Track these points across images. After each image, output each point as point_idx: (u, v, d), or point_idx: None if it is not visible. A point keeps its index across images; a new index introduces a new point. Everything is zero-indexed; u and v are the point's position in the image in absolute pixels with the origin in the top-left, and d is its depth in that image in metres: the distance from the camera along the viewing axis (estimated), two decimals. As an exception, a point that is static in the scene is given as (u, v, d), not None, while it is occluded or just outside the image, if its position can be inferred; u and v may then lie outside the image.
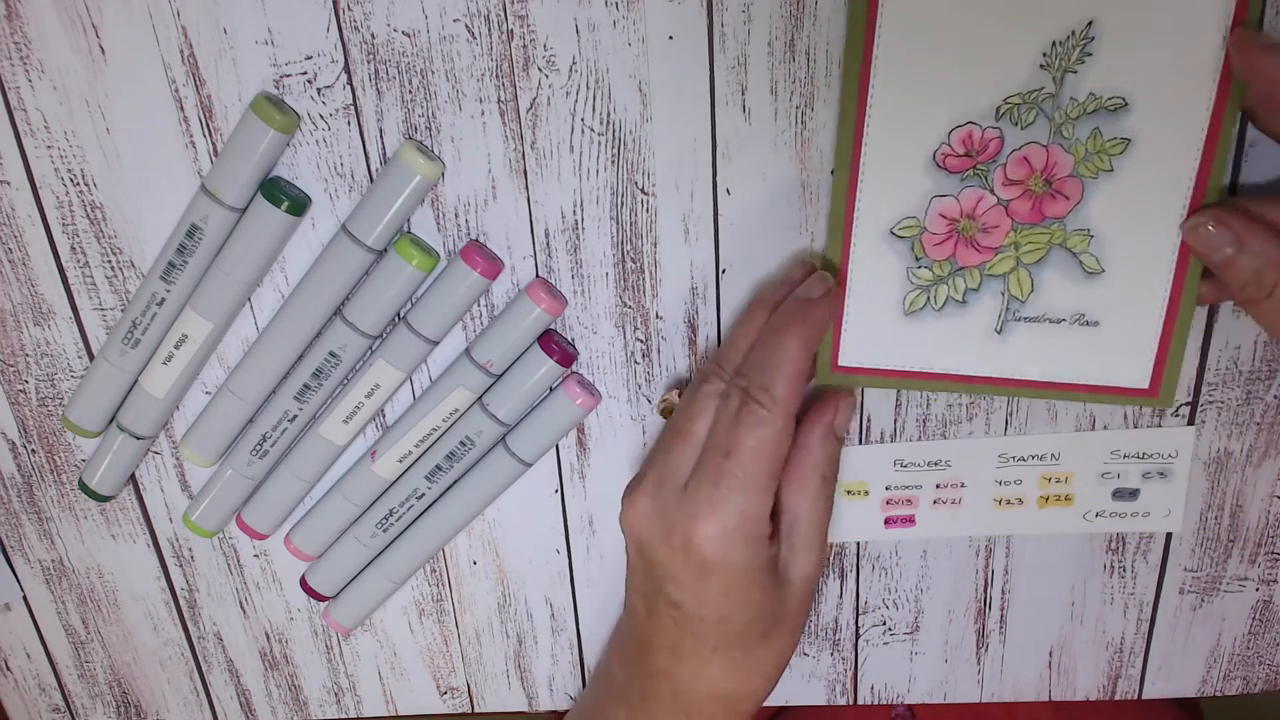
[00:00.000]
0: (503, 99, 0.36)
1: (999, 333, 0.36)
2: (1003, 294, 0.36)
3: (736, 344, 0.36)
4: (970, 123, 0.34)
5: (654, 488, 0.35)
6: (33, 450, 0.44)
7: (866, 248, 0.36)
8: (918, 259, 0.36)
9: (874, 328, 0.37)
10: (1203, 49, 0.32)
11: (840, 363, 0.38)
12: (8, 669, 0.50)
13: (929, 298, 0.36)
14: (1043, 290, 0.36)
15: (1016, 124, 0.33)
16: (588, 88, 0.36)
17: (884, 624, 0.46)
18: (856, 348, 0.38)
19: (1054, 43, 0.32)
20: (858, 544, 0.44)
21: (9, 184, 0.39)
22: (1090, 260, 0.35)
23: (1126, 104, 0.33)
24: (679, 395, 0.39)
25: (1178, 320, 0.36)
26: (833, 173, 0.35)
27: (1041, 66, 0.33)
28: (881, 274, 0.36)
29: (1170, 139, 0.33)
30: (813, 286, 0.36)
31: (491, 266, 0.38)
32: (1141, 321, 0.36)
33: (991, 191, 0.34)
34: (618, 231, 0.38)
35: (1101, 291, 0.36)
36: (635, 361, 0.41)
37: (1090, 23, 0.32)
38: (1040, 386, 0.37)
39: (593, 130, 0.37)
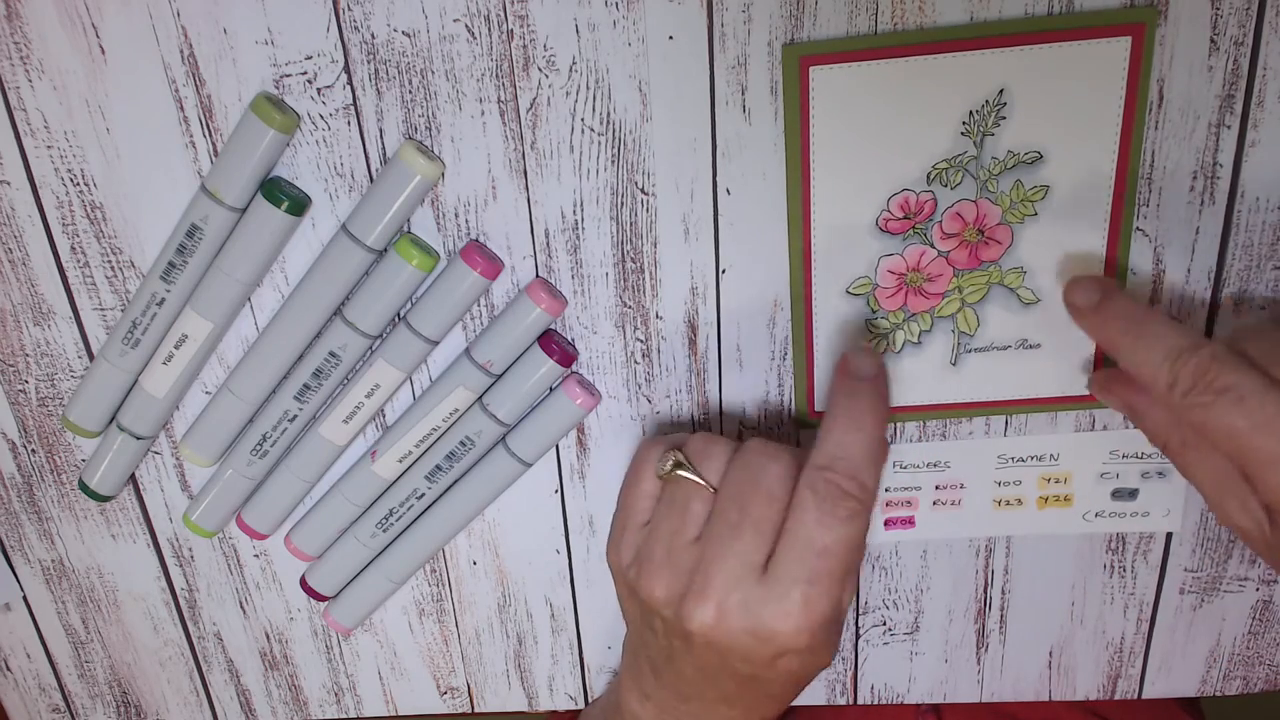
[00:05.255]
0: (503, 99, 0.36)
1: (953, 365, 0.40)
2: (953, 331, 0.39)
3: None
4: (905, 189, 0.37)
5: (731, 583, 0.33)
6: (33, 450, 0.44)
7: (827, 307, 0.39)
8: (874, 311, 0.39)
9: None
10: (1104, 98, 0.35)
11: (817, 409, 0.41)
12: (8, 669, 0.50)
13: (888, 343, 0.40)
14: (988, 324, 0.39)
15: (946, 185, 0.37)
16: (588, 88, 0.36)
17: (884, 624, 0.46)
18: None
19: (971, 112, 0.36)
20: (858, 544, 0.44)
21: (9, 184, 0.39)
22: (1026, 293, 0.39)
23: (1042, 156, 0.36)
24: (682, 456, 0.36)
25: None
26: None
27: (962, 133, 0.36)
28: (843, 327, 0.39)
29: (1085, 180, 0.37)
30: (864, 365, 0.36)
31: (491, 266, 0.38)
32: (1077, 339, 0.39)
33: (932, 246, 0.38)
34: (618, 231, 0.38)
35: (1039, 318, 0.39)
36: (635, 361, 0.41)
37: (1001, 90, 0.35)
38: (995, 405, 0.41)
39: (593, 130, 0.37)
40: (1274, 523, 0.33)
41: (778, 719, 0.39)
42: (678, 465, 0.36)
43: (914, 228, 0.38)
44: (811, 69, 0.35)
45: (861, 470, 0.33)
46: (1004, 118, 0.36)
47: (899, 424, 0.42)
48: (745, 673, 0.35)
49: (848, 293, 0.39)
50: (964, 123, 0.36)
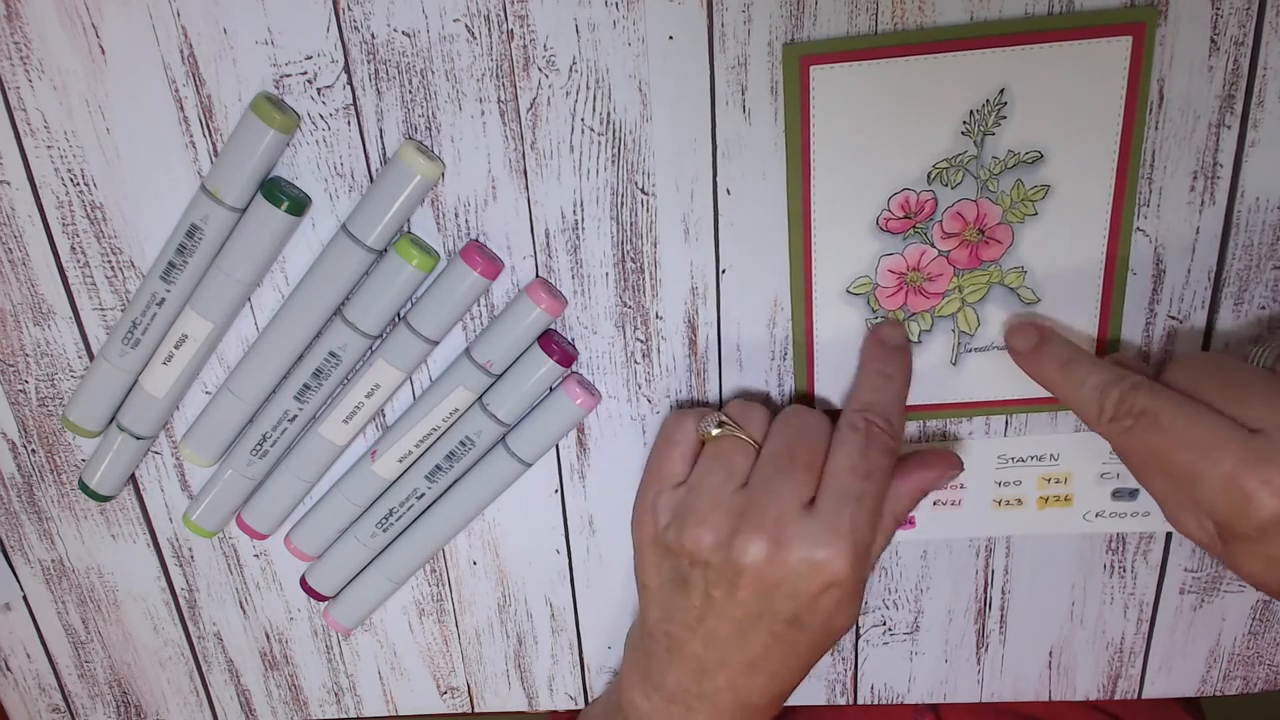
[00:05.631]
0: (503, 99, 0.36)
1: (954, 364, 0.40)
2: (953, 331, 0.39)
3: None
4: (906, 189, 0.37)
5: (783, 517, 0.35)
6: (33, 450, 0.44)
7: (827, 306, 0.39)
8: (874, 310, 0.39)
9: (842, 372, 0.40)
10: (1104, 97, 0.35)
11: (816, 407, 0.41)
12: (8, 669, 0.50)
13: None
14: (988, 323, 0.39)
15: (947, 185, 0.37)
16: (588, 88, 0.36)
17: (884, 624, 0.46)
18: (829, 389, 0.41)
19: (971, 111, 0.36)
20: (858, 544, 0.44)
21: (9, 184, 0.39)
22: (1027, 293, 0.39)
23: (1042, 155, 0.36)
24: (725, 416, 0.38)
25: (1108, 333, 0.39)
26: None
27: (963, 133, 0.36)
28: (843, 326, 0.40)
29: (1085, 180, 0.37)
30: (893, 335, 0.39)
31: (491, 266, 0.38)
32: (1077, 338, 0.39)
33: (932, 245, 0.38)
34: (618, 231, 0.38)
35: (1040, 317, 0.39)
36: (635, 361, 0.41)
37: (1002, 90, 0.35)
38: (995, 405, 0.41)
39: (593, 130, 0.37)
40: (1222, 535, 0.34)
41: (782, 712, 0.39)
42: (721, 424, 0.38)
43: (914, 227, 0.38)
44: (812, 69, 0.35)
45: (893, 414, 0.37)
46: (1004, 117, 0.36)
47: None
48: (787, 613, 0.36)
49: (848, 292, 0.39)
50: (964, 122, 0.36)
